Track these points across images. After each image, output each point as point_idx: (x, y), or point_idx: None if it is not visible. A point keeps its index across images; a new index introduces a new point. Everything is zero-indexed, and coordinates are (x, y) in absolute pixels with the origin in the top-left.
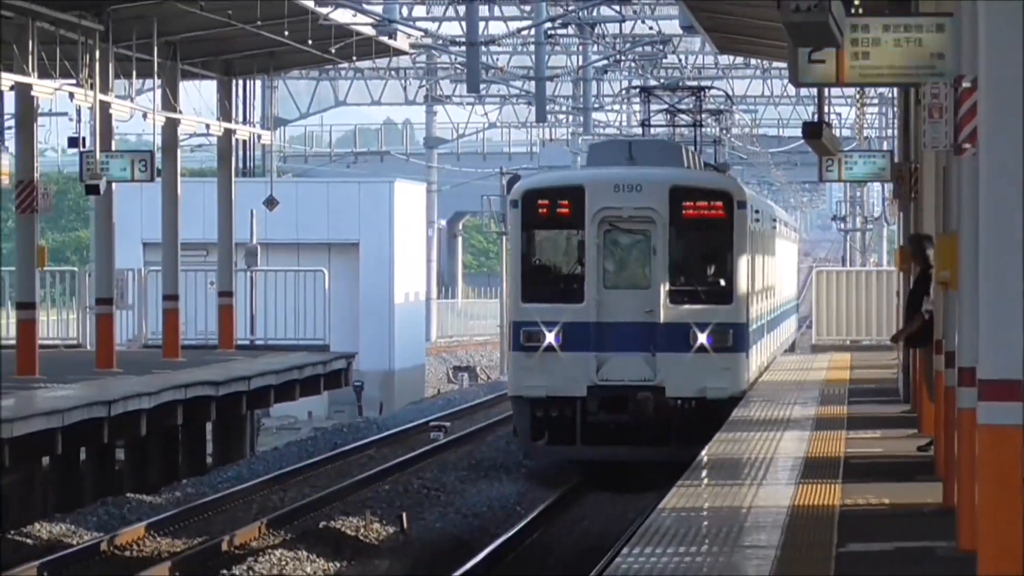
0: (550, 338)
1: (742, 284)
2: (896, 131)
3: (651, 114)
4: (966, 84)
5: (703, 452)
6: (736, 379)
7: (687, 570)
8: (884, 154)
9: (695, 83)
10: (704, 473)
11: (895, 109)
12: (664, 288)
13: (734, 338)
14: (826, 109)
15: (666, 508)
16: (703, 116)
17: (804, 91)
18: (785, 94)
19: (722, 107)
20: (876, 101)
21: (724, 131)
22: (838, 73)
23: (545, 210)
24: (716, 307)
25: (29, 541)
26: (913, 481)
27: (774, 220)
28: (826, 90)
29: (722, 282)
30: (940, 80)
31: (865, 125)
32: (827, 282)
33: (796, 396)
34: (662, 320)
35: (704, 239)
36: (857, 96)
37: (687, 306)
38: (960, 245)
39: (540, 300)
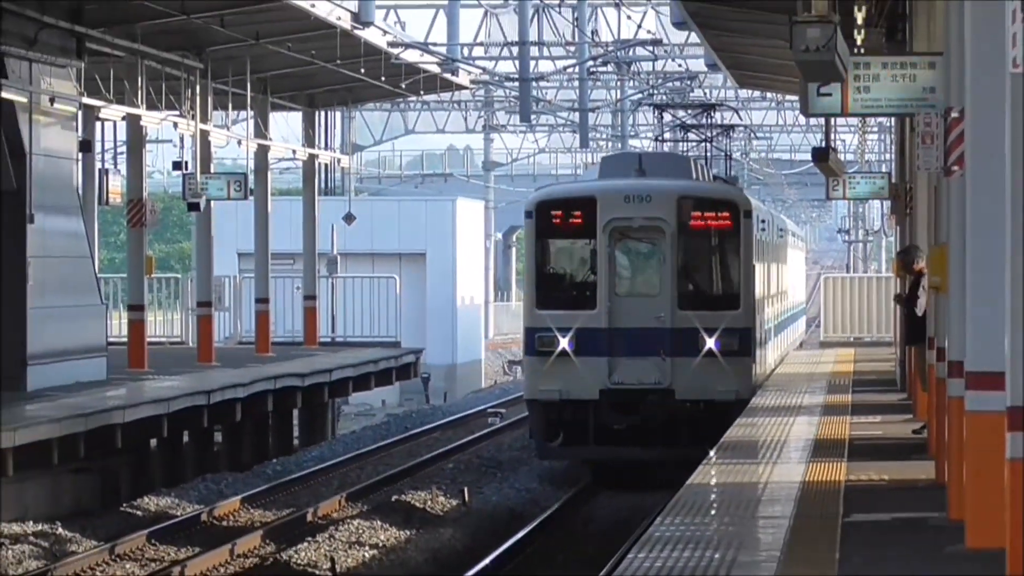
0: (564, 343)
1: (748, 291)
2: (893, 155)
3: (664, 129)
4: (954, 115)
5: (725, 435)
6: (743, 382)
7: (712, 537)
8: (883, 175)
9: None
10: (726, 454)
11: (892, 136)
12: (673, 295)
13: (741, 342)
14: (832, 136)
15: (693, 484)
16: (713, 132)
17: (813, 120)
18: (796, 123)
19: (732, 123)
20: (876, 129)
21: (733, 146)
22: (843, 105)
23: (558, 220)
24: (723, 313)
25: (139, 513)
26: (909, 460)
27: (781, 230)
28: (832, 120)
29: (729, 289)
30: (932, 111)
31: (866, 150)
32: (833, 287)
33: (807, 386)
34: (671, 326)
35: (711, 247)
36: (859, 125)
37: (695, 312)
38: (949, 255)
39: (554, 307)
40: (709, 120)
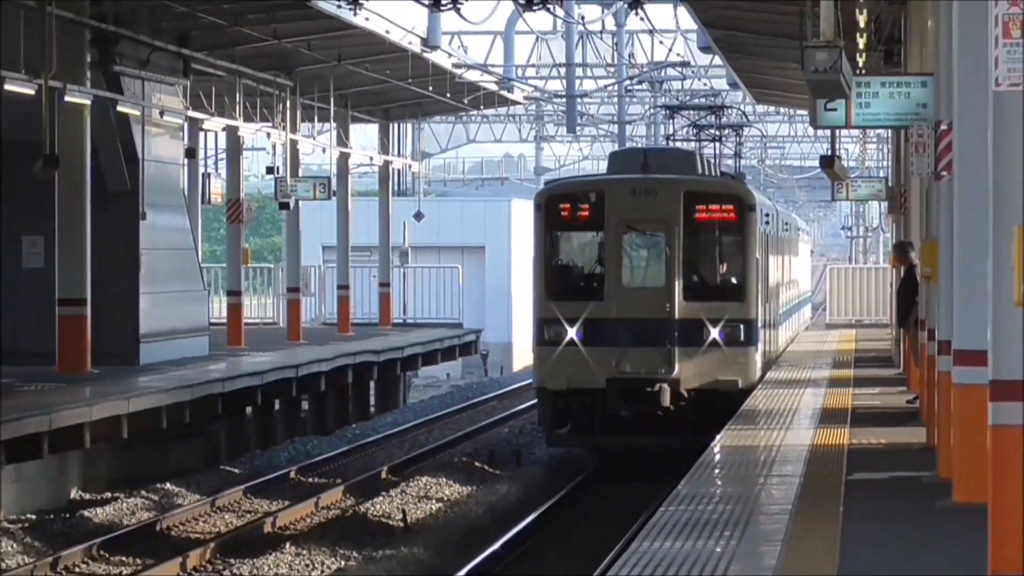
0: (572, 334)
1: (752, 282)
2: (890, 162)
3: (676, 130)
4: (943, 127)
5: (744, 404)
6: (746, 372)
7: (733, 494)
8: (881, 180)
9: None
10: (743, 421)
11: (889, 145)
12: (678, 287)
13: (745, 333)
14: (837, 146)
15: (716, 447)
16: (722, 131)
17: (820, 132)
18: (806, 134)
19: (740, 123)
20: (875, 140)
21: (752, 154)
22: (847, 118)
23: (567, 213)
24: (728, 304)
25: (237, 471)
26: (903, 426)
27: (786, 224)
28: (837, 131)
29: (733, 280)
30: (924, 124)
31: (866, 158)
32: (838, 276)
33: (814, 362)
34: (677, 317)
35: (716, 240)
36: (860, 136)
37: (700, 303)
38: (939, 249)
39: (562, 298)
40: (718, 120)
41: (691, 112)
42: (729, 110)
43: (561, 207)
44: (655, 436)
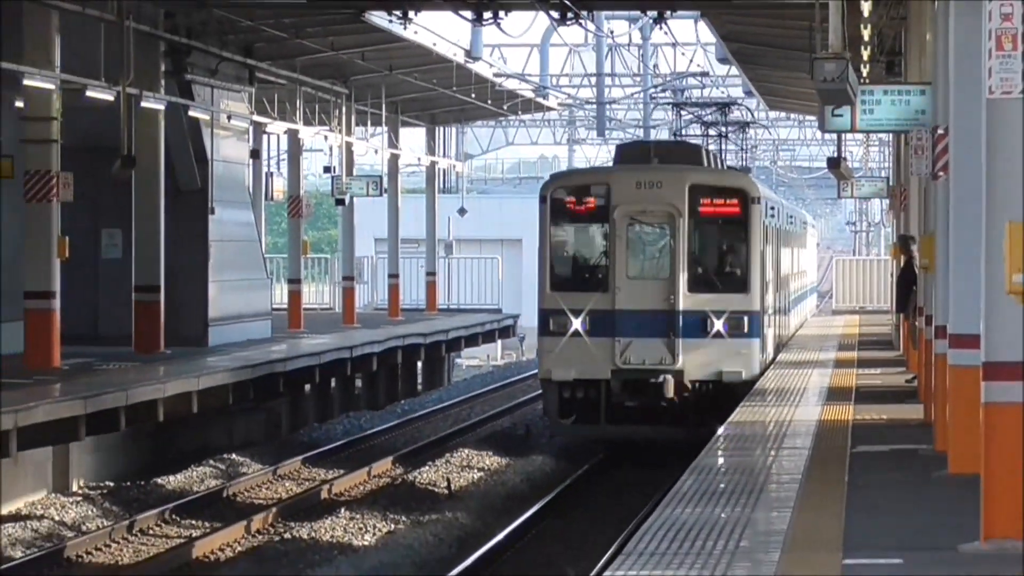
0: (576, 324)
1: (756, 274)
2: (891, 163)
3: (682, 125)
4: (940, 131)
5: (759, 382)
6: (750, 363)
7: (751, 464)
8: (883, 179)
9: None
10: (757, 398)
11: (890, 148)
12: (683, 278)
13: (749, 325)
14: (843, 148)
15: (732, 422)
16: (728, 128)
17: (828, 136)
18: (814, 138)
19: (746, 121)
20: (877, 143)
21: (765, 156)
22: (852, 123)
23: (573, 205)
24: (732, 296)
25: (297, 442)
26: (903, 403)
27: (791, 217)
28: (843, 135)
29: (737, 273)
30: (922, 128)
31: (869, 159)
32: (843, 267)
33: (821, 344)
34: (681, 308)
35: (720, 233)
36: (864, 139)
37: (704, 295)
38: (936, 242)
39: (567, 289)
40: (725, 117)
41: (699, 109)
42: (736, 107)
43: (566, 199)
44: (659, 427)
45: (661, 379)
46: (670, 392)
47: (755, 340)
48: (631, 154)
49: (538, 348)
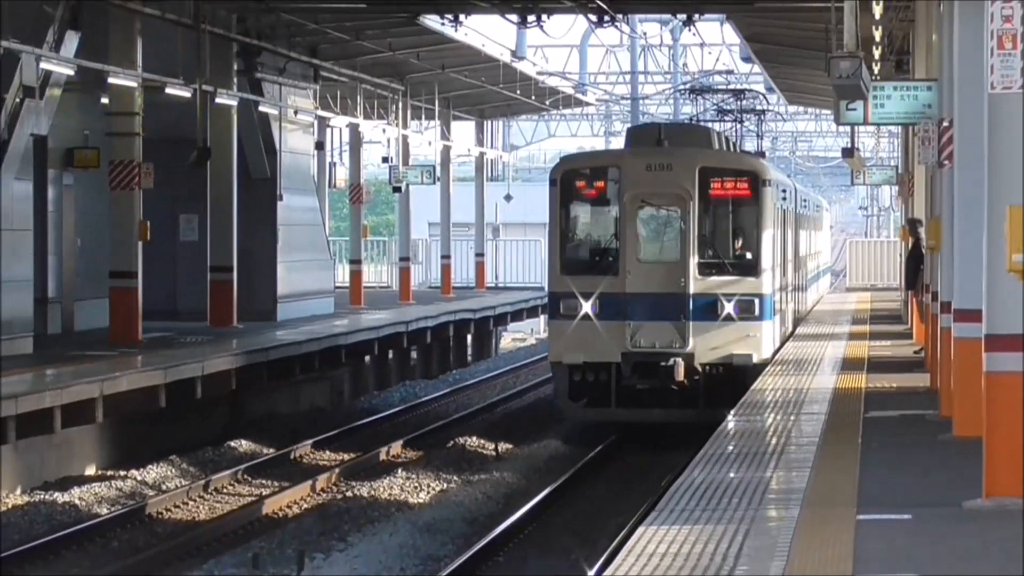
0: (587, 308)
1: (767, 257)
2: (900, 153)
3: (699, 112)
4: (945, 124)
5: (780, 351)
6: (760, 346)
7: (773, 425)
8: (892, 167)
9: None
10: (779, 367)
11: (900, 139)
12: (693, 261)
13: (760, 308)
14: (856, 139)
15: (756, 389)
16: (743, 114)
17: (842, 127)
18: (830, 130)
19: (761, 107)
20: (887, 134)
21: (784, 146)
22: (865, 116)
23: (583, 188)
24: (742, 279)
25: (358, 409)
26: (911, 372)
27: (804, 200)
28: (856, 127)
29: (748, 255)
30: (929, 121)
31: (880, 149)
32: (856, 248)
33: (836, 319)
34: (692, 291)
35: (731, 215)
36: (876, 131)
37: (715, 278)
38: (941, 225)
39: (578, 272)
40: (739, 103)
41: (715, 96)
42: (750, 93)
43: (577, 182)
44: (669, 410)
45: (671, 362)
46: (680, 375)
47: (766, 323)
48: (641, 137)
49: (548, 331)
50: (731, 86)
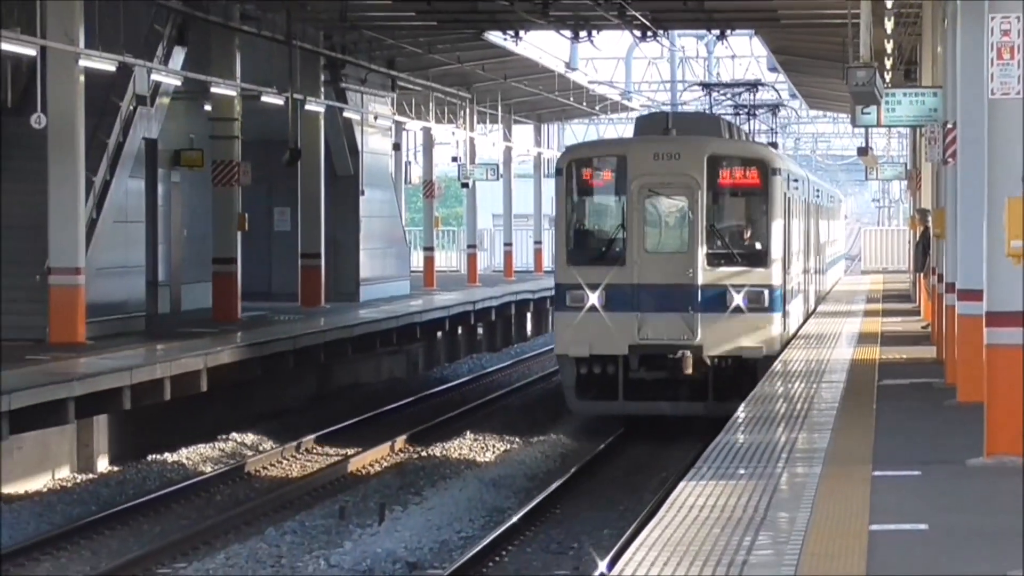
0: (593, 299)
1: (777, 247)
2: (909, 151)
3: (713, 106)
4: (949, 126)
5: (802, 326)
6: (770, 338)
7: (797, 392)
8: (902, 164)
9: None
10: (801, 341)
11: (908, 139)
12: (702, 252)
13: (769, 299)
14: (870, 139)
15: (780, 360)
16: (757, 109)
17: (858, 129)
18: (847, 131)
19: (776, 103)
20: (897, 135)
21: (806, 145)
22: (878, 119)
23: (589, 178)
24: (752, 270)
25: (431, 378)
26: (919, 345)
27: (818, 191)
28: (870, 129)
29: (758, 246)
30: (935, 123)
31: (891, 148)
32: (870, 236)
33: (852, 298)
34: (700, 282)
35: (740, 205)
36: (887, 132)
37: (724, 269)
38: (946, 215)
39: (584, 263)
40: (753, 96)
41: (729, 90)
42: (764, 87)
43: (583, 171)
44: (678, 403)
45: (679, 355)
46: (688, 368)
47: (776, 315)
48: (649, 125)
49: (555, 323)
50: (758, 93)
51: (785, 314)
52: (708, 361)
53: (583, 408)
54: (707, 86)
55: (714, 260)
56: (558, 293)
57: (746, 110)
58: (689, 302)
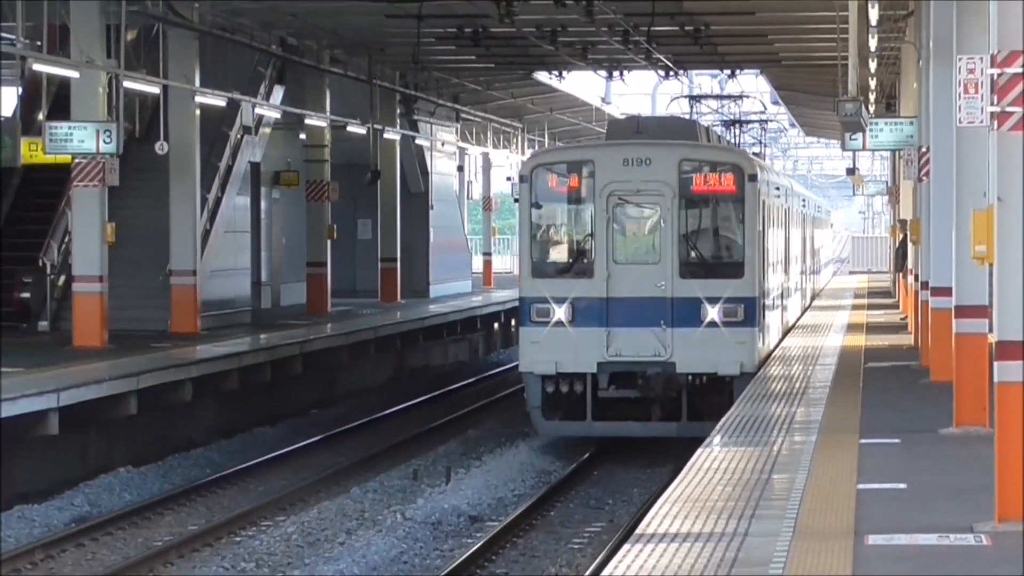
0: (560, 314)
1: (755, 257)
2: (889, 171)
3: (698, 117)
4: (923, 149)
5: (798, 320)
6: (748, 354)
7: (793, 375)
8: (884, 182)
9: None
10: (799, 330)
11: (889, 161)
12: (674, 263)
13: (746, 313)
14: (856, 161)
15: (781, 346)
16: (745, 124)
17: (846, 152)
18: (837, 154)
19: (761, 116)
20: (880, 157)
21: (800, 166)
22: (863, 144)
23: (555, 185)
24: (727, 281)
25: (489, 362)
26: (898, 334)
27: (803, 199)
28: (857, 152)
29: (734, 256)
30: (912, 147)
31: (875, 169)
32: (857, 242)
33: (843, 293)
34: (672, 295)
35: (714, 212)
36: (872, 155)
37: (698, 280)
38: (921, 224)
39: (550, 275)
40: (739, 107)
41: (716, 103)
42: (748, 98)
43: (549, 178)
44: (649, 424)
45: (651, 372)
46: (661, 386)
47: (753, 330)
48: (620, 130)
49: (519, 339)
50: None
51: (763, 328)
52: (682, 379)
53: (549, 429)
54: (692, 98)
55: (687, 271)
56: (523, 307)
57: (734, 122)
58: (661, 316)
